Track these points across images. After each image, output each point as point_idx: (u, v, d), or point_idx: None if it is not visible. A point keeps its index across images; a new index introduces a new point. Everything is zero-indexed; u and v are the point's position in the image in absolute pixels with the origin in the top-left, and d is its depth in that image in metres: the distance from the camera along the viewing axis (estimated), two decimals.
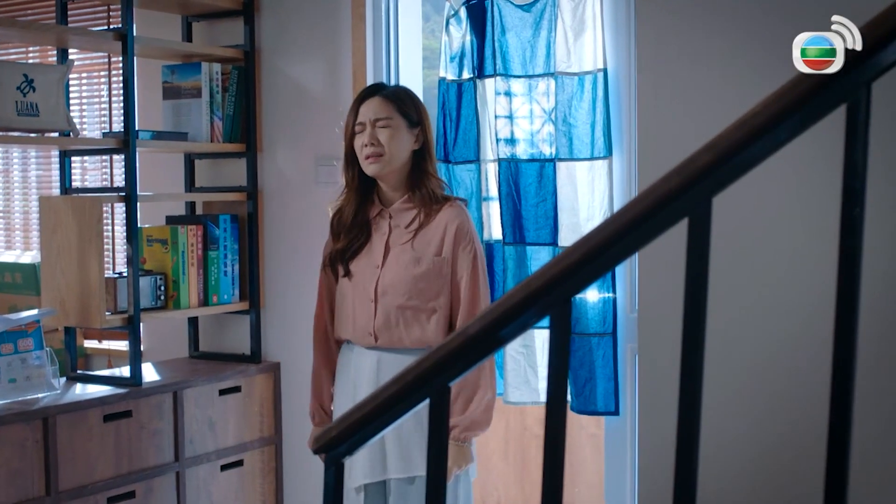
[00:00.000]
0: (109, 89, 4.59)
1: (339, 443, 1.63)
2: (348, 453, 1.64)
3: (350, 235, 3.13)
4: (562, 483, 1.47)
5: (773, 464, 3.08)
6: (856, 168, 1.25)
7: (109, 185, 4.70)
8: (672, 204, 1.34)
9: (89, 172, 4.78)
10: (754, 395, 3.05)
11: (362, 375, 3.08)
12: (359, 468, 3.05)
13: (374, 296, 3.06)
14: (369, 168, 3.06)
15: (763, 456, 3.07)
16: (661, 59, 3.23)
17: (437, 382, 1.53)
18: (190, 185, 4.25)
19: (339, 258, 3.15)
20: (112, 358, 4.50)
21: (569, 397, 3.59)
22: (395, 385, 1.56)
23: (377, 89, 3.12)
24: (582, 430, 4.85)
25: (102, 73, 4.73)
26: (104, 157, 4.71)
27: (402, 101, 3.11)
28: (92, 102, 4.80)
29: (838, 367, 1.28)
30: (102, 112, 4.74)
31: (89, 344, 4.68)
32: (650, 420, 3.29)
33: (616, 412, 3.51)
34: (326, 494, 1.66)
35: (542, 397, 3.67)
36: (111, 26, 4.55)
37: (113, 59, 4.63)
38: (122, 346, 4.61)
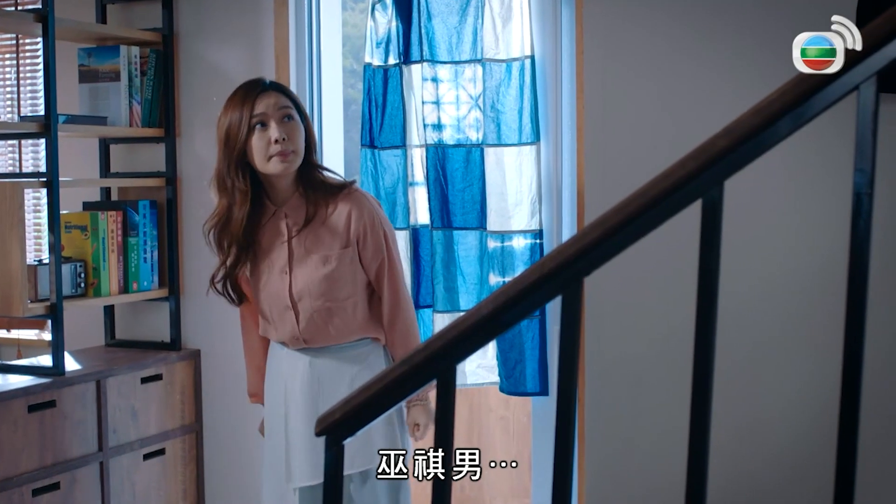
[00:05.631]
0: (18, 72, 4.46)
1: (341, 424, 1.64)
2: (350, 434, 1.65)
3: (241, 247, 2.90)
4: (572, 461, 1.51)
5: (772, 456, 3.19)
6: (865, 153, 1.32)
7: (19, 171, 4.57)
8: (686, 186, 1.40)
9: None
10: (751, 386, 3.16)
11: (295, 379, 2.96)
12: (299, 470, 2.94)
13: (291, 302, 2.91)
14: (279, 167, 2.81)
15: (764, 447, 3.17)
16: (607, 46, 3.31)
17: (445, 363, 1.56)
18: (105, 170, 4.16)
19: (232, 274, 2.94)
20: (21, 347, 4.39)
21: (498, 379, 3.66)
22: (404, 366, 1.58)
23: (265, 84, 2.87)
24: (491, 412, 4.91)
25: (8, 56, 4.59)
26: (11, 143, 4.57)
27: (293, 94, 2.93)
28: None
29: (848, 352, 1.35)
30: (8, 96, 4.60)
31: None
32: (596, 401, 3.38)
33: (545, 393, 3.59)
34: (327, 476, 1.67)
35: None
36: (20, 7, 4.41)
37: (23, 42, 4.50)
38: (31, 335, 4.50)
